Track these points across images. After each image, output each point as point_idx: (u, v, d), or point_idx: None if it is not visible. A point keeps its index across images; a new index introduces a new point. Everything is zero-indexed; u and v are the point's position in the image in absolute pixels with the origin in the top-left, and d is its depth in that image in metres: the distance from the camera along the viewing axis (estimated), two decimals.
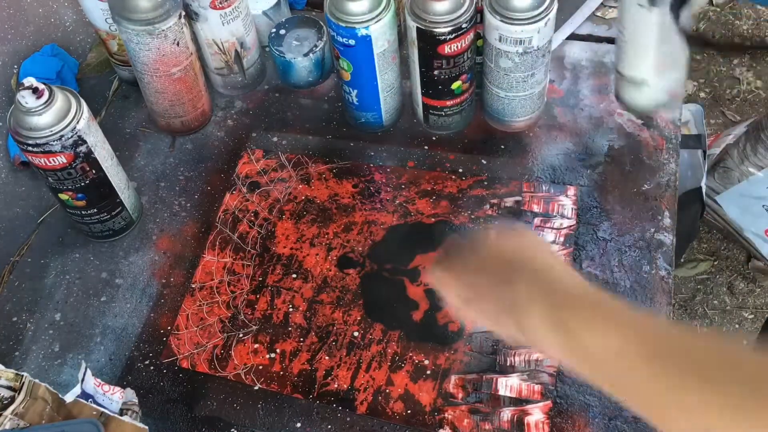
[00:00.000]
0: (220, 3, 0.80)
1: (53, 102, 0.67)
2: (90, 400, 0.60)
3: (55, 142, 0.67)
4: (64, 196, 0.73)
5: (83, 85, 0.93)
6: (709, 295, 1.64)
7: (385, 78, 0.80)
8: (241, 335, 0.72)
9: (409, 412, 0.66)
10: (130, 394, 0.64)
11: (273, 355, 0.71)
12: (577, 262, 0.74)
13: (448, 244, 0.64)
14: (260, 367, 0.70)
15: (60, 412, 0.59)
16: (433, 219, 0.79)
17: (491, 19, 0.73)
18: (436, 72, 0.77)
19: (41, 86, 0.66)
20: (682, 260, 1.63)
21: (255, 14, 0.89)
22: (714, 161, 1.60)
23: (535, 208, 0.78)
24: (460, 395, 0.67)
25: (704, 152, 1.16)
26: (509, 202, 0.79)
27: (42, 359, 0.73)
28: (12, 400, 0.59)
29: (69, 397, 0.59)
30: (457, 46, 0.74)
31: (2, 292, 0.78)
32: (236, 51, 0.86)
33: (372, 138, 0.86)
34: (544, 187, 0.79)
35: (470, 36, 0.75)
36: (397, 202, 0.80)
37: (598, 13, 0.93)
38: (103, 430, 0.57)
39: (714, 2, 2.09)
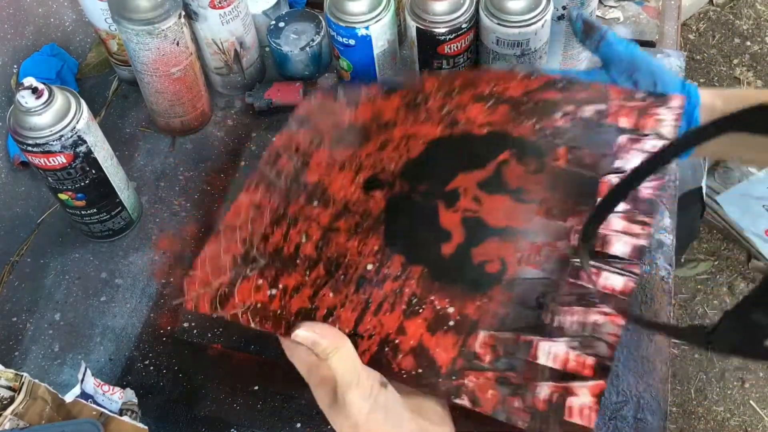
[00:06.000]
0: (220, 2, 0.80)
1: (53, 102, 0.66)
2: (90, 400, 0.60)
3: (55, 142, 0.67)
4: (63, 196, 0.73)
5: (83, 85, 0.93)
6: (710, 295, 1.64)
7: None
8: (248, 271, 0.60)
9: (420, 371, 0.52)
10: (130, 394, 0.64)
11: (275, 291, 0.59)
12: None
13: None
14: (258, 306, 0.58)
15: (60, 412, 0.59)
16: (485, 129, 0.63)
17: (488, 22, 0.73)
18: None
19: (41, 86, 0.66)
20: (682, 260, 1.63)
21: (254, 14, 0.89)
22: (714, 161, 1.60)
23: (623, 122, 0.60)
24: (488, 358, 0.52)
25: None
26: (589, 111, 0.61)
27: (42, 359, 0.73)
28: (12, 400, 0.59)
29: (69, 397, 0.59)
30: (456, 47, 0.74)
31: (2, 292, 0.78)
32: (235, 51, 0.86)
33: None
34: (639, 95, 0.61)
35: (470, 36, 0.75)
36: (446, 110, 0.65)
37: (599, 13, 0.93)
38: (102, 431, 0.57)
39: (714, 2, 2.09)
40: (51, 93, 0.67)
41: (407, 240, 0.59)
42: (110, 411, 0.59)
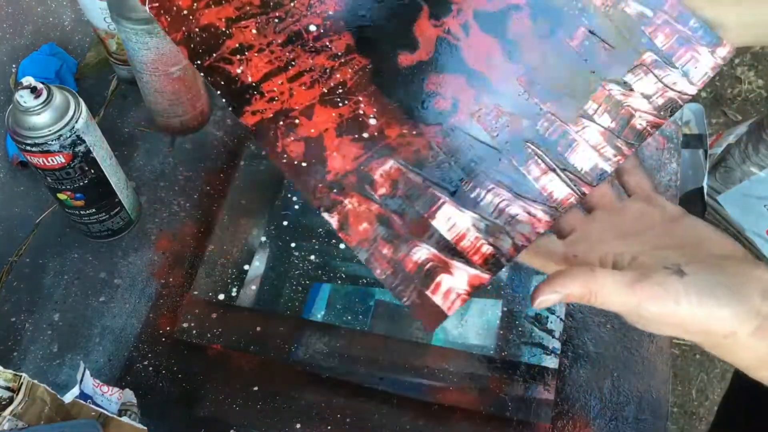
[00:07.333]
0: None
1: (52, 101, 0.66)
2: (89, 400, 0.60)
3: (54, 142, 0.67)
4: (62, 196, 0.73)
5: (82, 84, 0.93)
6: None
7: None
8: None
9: (302, 163, 0.46)
10: (129, 395, 0.63)
11: None
12: None
13: None
14: None
15: (59, 412, 0.59)
16: None
17: None
18: None
19: (39, 85, 0.66)
20: None
21: None
22: (715, 161, 1.60)
23: (659, 41, 0.53)
24: (382, 191, 0.46)
25: (706, 152, 1.16)
26: (632, 8, 0.53)
27: (40, 360, 0.73)
28: (10, 400, 0.58)
29: (68, 398, 0.59)
30: None
31: (1, 293, 0.78)
32: None
33: None
34: (690, 22, 0.53)
35: None
36: None
37: None
38: (102, 431, 0.57)
39: None
40: (50, 92, 0.66)
41: (368, 25, 0.51)
42: (109, 411, 0.59)
